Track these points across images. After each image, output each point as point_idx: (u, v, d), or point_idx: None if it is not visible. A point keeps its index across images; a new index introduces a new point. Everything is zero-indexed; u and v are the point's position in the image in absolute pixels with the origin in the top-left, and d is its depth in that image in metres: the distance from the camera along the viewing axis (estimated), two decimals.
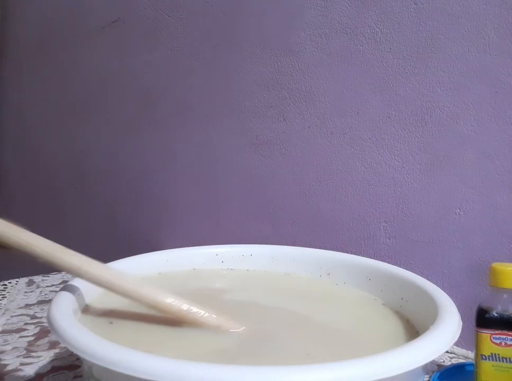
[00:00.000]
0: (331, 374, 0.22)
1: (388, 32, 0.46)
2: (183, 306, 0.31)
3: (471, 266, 0.44)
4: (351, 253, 0.43)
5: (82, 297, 0.33)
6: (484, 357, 0.31)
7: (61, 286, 0.46)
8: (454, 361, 0.41)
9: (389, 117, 0.47)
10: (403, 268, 0.38)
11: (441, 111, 0.44)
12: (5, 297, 0.53)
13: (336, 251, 0.43)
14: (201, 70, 0.62)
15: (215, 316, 0.32)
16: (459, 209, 0.44)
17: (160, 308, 0.32)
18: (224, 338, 0.31)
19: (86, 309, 0.33)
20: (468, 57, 0.42)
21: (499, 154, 0.42)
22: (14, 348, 0.41)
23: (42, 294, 0.54)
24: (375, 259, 0.42)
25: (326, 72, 0.51)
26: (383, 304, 0.36)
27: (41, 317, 0.47)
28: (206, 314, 0.32)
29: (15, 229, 0.31)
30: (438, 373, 0.36)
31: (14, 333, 0.44)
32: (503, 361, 0.30)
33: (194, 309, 0.32)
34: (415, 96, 0.45)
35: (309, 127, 0.53)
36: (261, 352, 0.29)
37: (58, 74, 0.85)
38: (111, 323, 0.32)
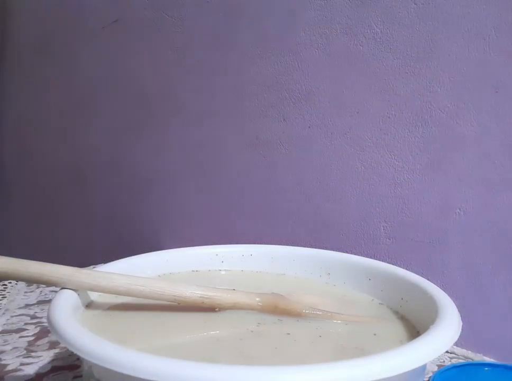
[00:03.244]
0: (331, 374, 0.22)
1: (388, 32, 0.46)
2: (199, 295, 0.32)
3: (471, 266, 0.44)
4: (351, 253, 0.43)
5: (86, 294, 0.33)
6: None
7: None
8: (454, 361, 0.41)
9: (389, 117, 0.47)
10: (403, 268, 0.38)
11: (441, 111, 0.44)
12: (5, 297, 0.53)
13: (336, 251, 0.43)
14: (201, 70, 0.62)
15: (229, 295, 0.33)
16: (459, 209, 0.44)
17: (179, 301, 0.32)
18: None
19: (90, 305, 0.33)
20: (468, 57, 0.42)
21: (498, 154, 0.42)
22: (14, 348, 0.41)
23: (42, 294, 0.54)
24: (375, 259, 0.42)
25: (326, 72, 0.51)
26: (382, 304, 0.36)
27: (41, 317, 0.47)
28: (224, 296, 0.33)
29: (22, 263, 0.31)
30: (438, 373, 0.36)
31: (13, 333, 0.44)
32: None
33: (210, 293, 0.32)
34: (415, 96, 0.45)
35: (309, 127, 0.53)
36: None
37: (58, 74, 0.85)
38: (118, 316, 0.32)
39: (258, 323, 0.32)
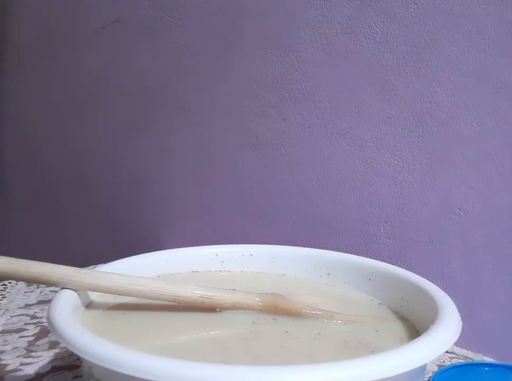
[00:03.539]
0: (331, 374, 0.22)
1: (388, 32, 0.46)
2: (199, 294, 0.33)
3: (470, 266, 0.44)
4: (351, 253, 0.43)
5: (86, 294, 0.33)
6: None
7: None
8: (454, 361, 0.41)
9: (389, 117, 0.47)
10: (403, 268, 0.38)
11: (441, 111, 0.44)
12: (5, 297, 0.53)
13: (336, 251, 0.43)
14: (201, 70, 0.62)
15: (229, 295, 0.33)
16: (459, 209, 0.44)
17: (179, 301, 0.32)
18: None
19: (90, 305, 0.33)
20: (468, 57, 0.42)
21: (499, 154, 0.42)
22: (14, 348, 0.41)
23: (42, 294, 0.54)
24: (375, 259, 0.42)
25: (326, 72, 0.51)
26: (382, 304, 0.36)
27: (41, 317, 0.47)
28: (224, 296, 0.33)
29: (22, 263, 0.31)
30: (438, 373, 0.36)
31: (13, 333, 0.44)
32: None
33: (210, 293, 0.33)
34: (415, 96, 0.45)
35: (309, 127, 0.53)
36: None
37: (58, 74, 0.85)
38: (118, 316, 0.33)
39: (253, 323, 0.32)
